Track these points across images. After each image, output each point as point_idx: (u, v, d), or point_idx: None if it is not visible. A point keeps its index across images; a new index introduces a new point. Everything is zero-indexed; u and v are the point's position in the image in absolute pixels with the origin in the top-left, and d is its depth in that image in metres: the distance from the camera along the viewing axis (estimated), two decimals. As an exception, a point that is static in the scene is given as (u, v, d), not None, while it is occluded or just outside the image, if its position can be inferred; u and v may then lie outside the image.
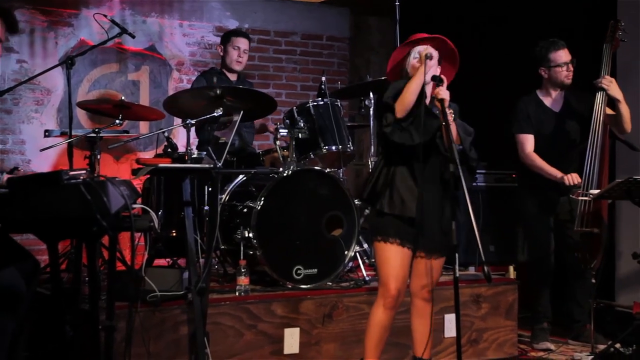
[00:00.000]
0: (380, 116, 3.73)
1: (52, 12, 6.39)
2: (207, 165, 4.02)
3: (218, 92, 4.49)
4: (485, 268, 3.32)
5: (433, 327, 3.89)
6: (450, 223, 3.66)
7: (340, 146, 4.81)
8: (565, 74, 5.08)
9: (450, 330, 4.68)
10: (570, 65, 5.08)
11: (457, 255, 3.44)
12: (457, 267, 3.43)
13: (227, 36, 5.65)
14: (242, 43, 5.58)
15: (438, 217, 3.72)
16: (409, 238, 3.68)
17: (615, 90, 4.83)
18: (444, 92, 3.58)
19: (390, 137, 3.61)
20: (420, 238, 3.69)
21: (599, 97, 4.84)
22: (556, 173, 4.92)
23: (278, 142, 4.82)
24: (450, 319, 4.67)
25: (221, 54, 5.64)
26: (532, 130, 5.12)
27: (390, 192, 3.69)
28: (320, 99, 4.93)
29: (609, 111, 4.90)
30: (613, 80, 4.84)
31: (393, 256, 3.69)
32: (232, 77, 5.61)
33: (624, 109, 4.85)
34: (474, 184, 5.66)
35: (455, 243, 3.50)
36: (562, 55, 5.08)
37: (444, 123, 3.54)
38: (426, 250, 3.76)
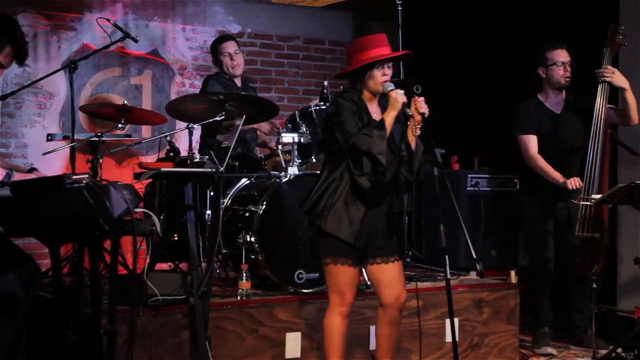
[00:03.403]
0: (328, 129, 3.69)
1: (55, 16, 6.41)
2: (209, 170, 4.03)
3: (221, 96, 4.50)
4: (478, 266, 3.37)
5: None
6: (397, 226, 3.82)
7: (342, 150, 4.80)
8: (561, 73, 5.05)
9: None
10: (567, 65, 5.05)
11: (447, 257, 3.45)
12: (447, 268, 3.44)
13: (214, 47, 5.55)
14: (229, 46, 5.47)
15: (385, 223, 3.75)
16: (357, 257, 3.70)
17: (619, 79, 4.78)
18: (424, 106, 3.58)
19: (359, 183, 3.58)
20: (371, 249, 3.73)
21: (600, 89, 4.80)
22: (559, 177, 4.91)
23: (280, 147, 4.82)
24: (452, 324, 4.67)
25: (216, 66, 5.57)
26: (535, 131, 5.10)
27: (332, 212, 3.65)
28: (322, 103, 4.94)
29: (611, 106, 4.88)
30: (616, 70, 4.79)
31: (343, 274, 3.70)
32: (237, 82, 5.57)
33: (631, 98, 4.80)
34: (477, 188, 5.67)
35: (444, 246, 3.50)
36: (560, 54, 5.06)
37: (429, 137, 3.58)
38: (382, 256, 3.76)
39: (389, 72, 3.67)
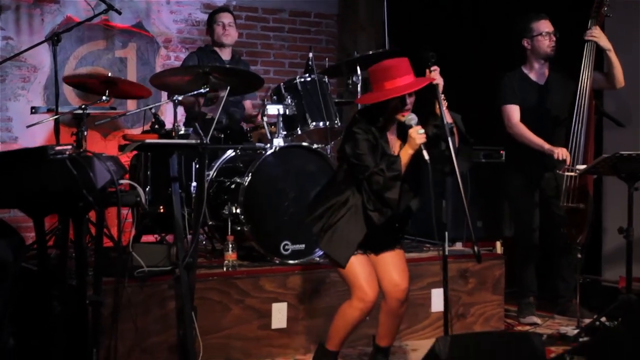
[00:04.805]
0: (346, 154, 3.56)
1: (38, -12, 6.35)
2: (194, 141, 4.02)
3: (206, 69, 4.49)
4: (476, 248, 3.36)
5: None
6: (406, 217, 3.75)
7: (327, 122, 4.81)
8: (547, 43, 5.09)
9: (437, 305, 4.72)
10: (552, 35, 5.08)
11: (446, 233, 3.46)
12: (446, 245, 3.45)
13: (211, 17, 5.65)
14: (225, 17, 5.56)
15: (388, 230, 3.72)
16: (366, 245, 3.67)
17: (605, 41, 4.84)
18: (439, 78, 3.57)
19: (371, 217, 3.58)
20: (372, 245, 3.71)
21: (587, 49, 4.83)
22: (542, 143, 4.92)
23: (265, 118, 4.81)
24: (437, 294, 4.70)
25: (209, 36, 5.63)
26: (518, 101, 5.12)
27: (331, 231, 3.62)
28: (307, 75, 4.93)
29: (598, 74, 4.91)
30: (602, 32, 4.84)
31: (359, 265, 3.63)
32: (225, 55, 5.56)
33: (615, 59, 4.87)
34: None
35: (444, 222, 3.49)
36: (544, 25, 5.10)
37: (440, 107, 3.53)
38: (385, 244, 3.75)
39: (410, 100, 3.55)
